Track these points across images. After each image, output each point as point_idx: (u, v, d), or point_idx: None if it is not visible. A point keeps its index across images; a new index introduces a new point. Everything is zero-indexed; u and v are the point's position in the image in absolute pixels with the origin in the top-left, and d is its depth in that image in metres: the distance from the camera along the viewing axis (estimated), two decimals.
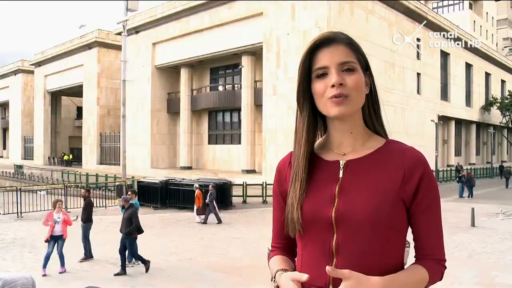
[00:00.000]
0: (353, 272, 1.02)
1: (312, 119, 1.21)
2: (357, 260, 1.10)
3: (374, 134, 1.22)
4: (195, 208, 14.43)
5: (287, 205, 1.20)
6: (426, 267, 1.13)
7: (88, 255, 9.19)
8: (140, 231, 8.27)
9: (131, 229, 7.98)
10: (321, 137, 1.27)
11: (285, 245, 1.31)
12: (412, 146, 1.20)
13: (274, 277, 1.20)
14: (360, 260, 1.10)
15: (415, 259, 1.19)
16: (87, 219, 9.46)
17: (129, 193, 9.83)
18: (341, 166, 1.18)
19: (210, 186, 14.88)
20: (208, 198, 14.20)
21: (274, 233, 1.34)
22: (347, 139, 1.20)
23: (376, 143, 1.20)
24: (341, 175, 1.17)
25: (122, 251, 8.10)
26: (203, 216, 14.09)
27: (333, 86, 1.11)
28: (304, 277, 1.06)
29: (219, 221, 13.92)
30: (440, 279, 1.17)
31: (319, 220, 1.13)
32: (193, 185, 16.93)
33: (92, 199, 10.42)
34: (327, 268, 1.03)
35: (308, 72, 1.17)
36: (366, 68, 1.18)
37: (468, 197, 20.89)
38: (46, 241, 8.19)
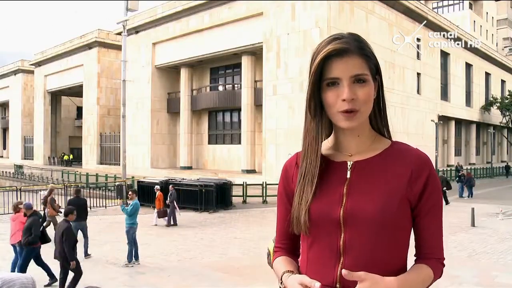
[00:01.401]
0: (368, 274, 1.04)
1: (322, 124, 1.22)
2: (364, 259, 1.12)
3: (379, 136, 1.24)
4: (155, 210, 13.83)
5: (293, 204, 1.21)
6: (431, 266, 1.17)
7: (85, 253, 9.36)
8: (46, 239, 7.46)
9: (31, 239, 7.11)
10: (324, 138, 1.27)
11: (289, 245, 1.32)
12: (415, 147, 1.22)
13: (281, 279, 1.21)
14: (367, 258, 1.12)
15: (415, 257, 1.21)
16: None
17: (129, 192, 9.84)
18: (349, 167, 1.20)
19: (170, 186, 14.51)
20: (168, 198, 13.79)
21: (278, 234, 1.35)
22: (354, 142, 1.21)
23: (382, 144, 1.22)
24: (348, 175, 1.18)
25: (39, 263, 7.41)
26: (163, 219, 13.55)
27: (344, 100, 1.11)
28: (316, 285, 1.07)
29: (174, 223, 13.36)
30: (440, 277, 1.21)
31: (327, 219, 1.15)
32: (197, 185, 16.88)
33: (85, 198, 10.49)
34: (344, 271, 1.05)
35: (319, 79, 1.15)
36: (376, 71, 1.18)
37: (468, 197, 20.90)
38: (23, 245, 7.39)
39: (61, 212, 11.91)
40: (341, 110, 1.12)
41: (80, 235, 9.33)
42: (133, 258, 8.77)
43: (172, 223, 13.42)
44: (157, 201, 13.79)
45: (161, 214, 13.55)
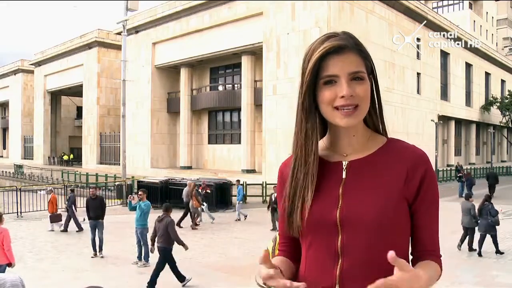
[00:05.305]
0: (410, 266, 1.00)
1: (317, 123, 1.20)
2: (363, 259, 1.11)
3: (374, 133, 1.22)
4: (48, 215, 12.74)
5: (287, 206, 1.19)
6: (438, 263, 1.16)
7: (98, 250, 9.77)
8: None
9: None
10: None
11: (291, 247, 1.29)
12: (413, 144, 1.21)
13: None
14: (366, 259, 1.10)
15: (415, 255, 1.18)
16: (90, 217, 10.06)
17: (140, 193, 9.73)
18: (344, 167, 1.18)
19: (69, 189, 13.59)
20: (66, 202, 13.05)
21: (280, 235, 1.34)
22: (350, 141, 1.20)
23: (377, 142, 1.21)
24: (344, 176, 1.17)
25: None
26: (61, 223, 12.54)
27: (342, 96, 1.10)
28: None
29: (80, 229, 12.29)
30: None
31: (324, 222, 1.14)
32: (197, 185, 16.79)
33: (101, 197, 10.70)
34: (390, 254, 0.95)
35: (315, 78, 1.14)
36: (371, 70, 1.18)
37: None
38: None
39: (203, 205, 13.83)
40: (339, 106, 1.10)
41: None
42: (143, 259, 8.83)
43: (77, 229, 12.34)
44: (50, 204, 12.68)
45: (53, 219, 12.46)
